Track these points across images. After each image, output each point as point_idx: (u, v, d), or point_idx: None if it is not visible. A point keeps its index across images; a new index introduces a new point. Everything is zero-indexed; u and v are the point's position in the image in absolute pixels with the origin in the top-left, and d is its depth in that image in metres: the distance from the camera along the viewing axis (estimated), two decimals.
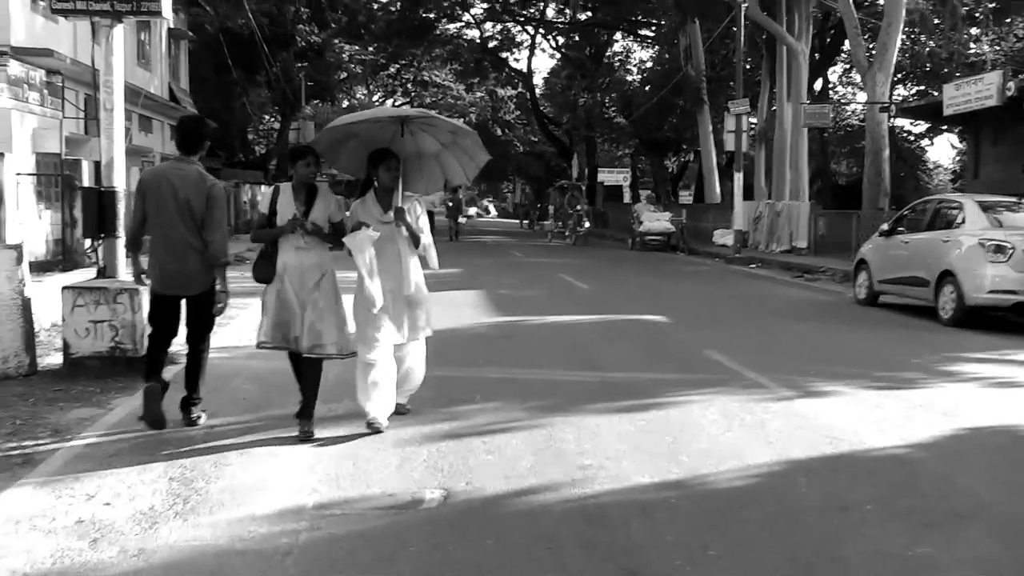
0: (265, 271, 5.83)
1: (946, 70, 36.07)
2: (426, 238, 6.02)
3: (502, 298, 14.12)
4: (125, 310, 7.78)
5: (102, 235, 8.53)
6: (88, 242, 14.13)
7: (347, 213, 6.02)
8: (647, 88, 43.93)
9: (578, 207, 34.90)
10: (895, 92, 35.43)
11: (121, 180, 8.58)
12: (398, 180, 5.89)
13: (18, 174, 17.77)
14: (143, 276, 6.20)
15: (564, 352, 9.33)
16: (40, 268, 16.59)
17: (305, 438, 5.69)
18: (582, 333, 10.77)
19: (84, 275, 10.20)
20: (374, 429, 5.77)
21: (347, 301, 5.92)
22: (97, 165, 21.74)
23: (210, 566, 3.78)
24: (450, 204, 37.32)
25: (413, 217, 5.95)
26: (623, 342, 10.08)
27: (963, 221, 12.49)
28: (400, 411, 6.19)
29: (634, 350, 9.57)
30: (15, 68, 17.89)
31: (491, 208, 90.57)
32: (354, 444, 5.59)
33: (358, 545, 4.03)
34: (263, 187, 40.33)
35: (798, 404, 6.98)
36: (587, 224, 35.34)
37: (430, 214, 34.87)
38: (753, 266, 23.41)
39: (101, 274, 8.47)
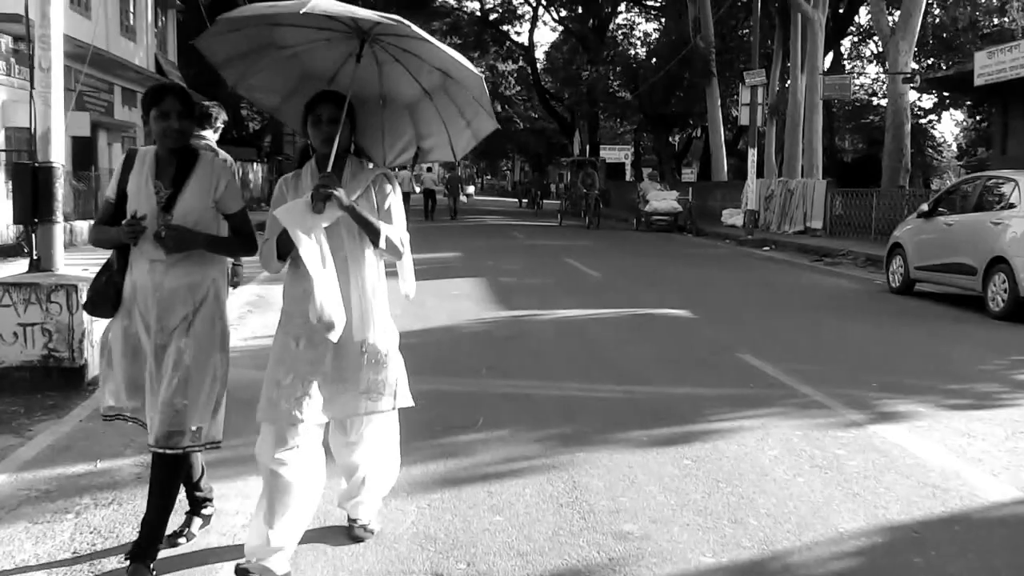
0: (102, 297, 3.55)
1: (961, 40, 34.69)
2: (394, 234, 3.45)
3: (505, 287, 12.81)
4: (61, 311, 6.54)
5: (36, 220, 7.22)
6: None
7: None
8: (653, 62, 42.45)
9: (593, 187, 31.41)
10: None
11: (60, 154, 7.25)
12: (334, 141, 3.37)
13: None
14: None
15: (579, 357, 8.05)
16: (2, 254, 15.33)
17: None
18: (597, 331, 9.48)
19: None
20: None
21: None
22: (73, 140, 20.38)
23: None
24: (449, 181, 35.58)
25: (369, 199, 3.49)
26: (645, 343, 8.79)
27: (1018, 201, 11.19)
28: (354, 535, 3.85)
29: (659, 354, 8.28)
30: None
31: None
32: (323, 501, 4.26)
33: None
34: (254, 165, 38.80)
35: (872, 431, 5.71)
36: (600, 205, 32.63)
37: (431, 192, 33.20)
38: (767, 249, 22.12)
39: (35, 267, 7.15)
